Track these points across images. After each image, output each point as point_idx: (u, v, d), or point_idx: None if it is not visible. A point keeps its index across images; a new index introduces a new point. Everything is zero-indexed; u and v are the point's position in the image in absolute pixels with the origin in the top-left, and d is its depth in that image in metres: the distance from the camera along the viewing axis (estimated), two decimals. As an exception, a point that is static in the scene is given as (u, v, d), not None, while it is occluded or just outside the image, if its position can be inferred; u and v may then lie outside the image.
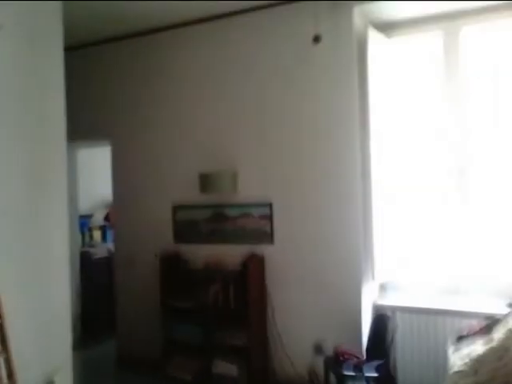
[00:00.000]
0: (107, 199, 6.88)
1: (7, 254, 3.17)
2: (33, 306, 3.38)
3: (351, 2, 4.39)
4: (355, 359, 4.05)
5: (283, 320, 4.74)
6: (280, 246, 4.77)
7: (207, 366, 4.71)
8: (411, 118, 4.73)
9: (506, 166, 4.32)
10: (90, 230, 7.32)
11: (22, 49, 3.40)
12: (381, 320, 4.32)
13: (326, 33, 4.43)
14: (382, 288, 4.76)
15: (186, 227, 5.23)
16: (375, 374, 3.84)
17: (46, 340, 3.48)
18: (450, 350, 3.58)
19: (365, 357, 4.20)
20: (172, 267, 5.04)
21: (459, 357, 3.33)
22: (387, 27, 4.70)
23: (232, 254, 4.91)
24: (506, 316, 3.49)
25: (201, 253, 5.10)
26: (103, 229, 7.52)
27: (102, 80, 5.74)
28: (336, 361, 4.07)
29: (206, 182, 4.86)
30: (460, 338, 3.61)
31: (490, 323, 3.55)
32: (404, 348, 4.36)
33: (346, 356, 4.07)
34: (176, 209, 5.29)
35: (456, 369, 3.22)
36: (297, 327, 4.68)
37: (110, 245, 6.94)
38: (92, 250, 6.92)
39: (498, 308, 3.95)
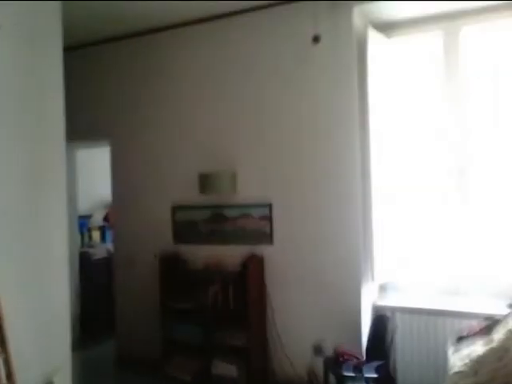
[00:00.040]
0: (106, 199, 6.87)
1: (6, 255, 3.17)
2: (32, 307, 3.37)
3: (351, 1, 4.39)
4: (355, 360, 4.04)
5: (283, 320, 4.73)
6: (280, 246, 4.76)
7: (207, 366, 4.70)
8: (411, 118, 4.72)
9: (506, 166, 4.31)
10: (90, 230, 7.32)
11: (21, 49, 3.39)
12: (380, 321, 4.32)
13: (326, 33, 4.43)
14: (382, 288, 4.75)
15: (186, 228, 5.23)
16: (375, 375, 3.83)
17: (45, 340, 3.47)
18: (450, 350, 3.57)
19: (364, 357, 4.20)
20: (171, 268, 5.04)
21: (459, 357, 3.33)
22: (387, 27, 4.70)
23: (231, 254, 4.90)
24: (505, 316, 3.48)
25: (200, 253, 5.10)
26: (102, 229, 7.51)
27: (102, 80, 5.74)
28: (336, 361, 4.06)
29: (205, 182, 4.85)
30: (460, 339, 3.61)
31: (489, 324, 3.54)
32: (404, 349, 4.35)
33: (345, 357, 4.07)
34: (175, 209, 5.28)
35: (456, 369, 3.21)
36: (296, 328, 4.67)
37: (110, 245, 6.94)
38: (91, 251, 6.91)
39: (497, 308, 3.94)
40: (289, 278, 4.71)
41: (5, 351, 2.92)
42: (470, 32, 4.44)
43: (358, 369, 3.90)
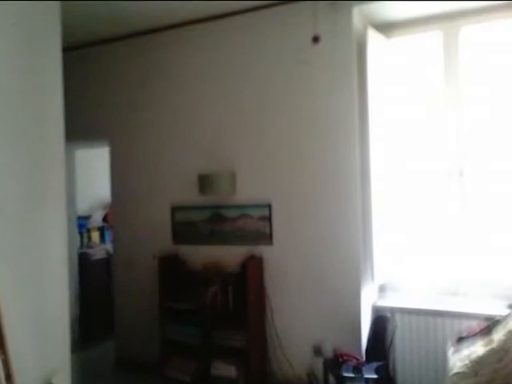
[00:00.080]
0: (106, 200, 6.87)
1: (5, 255, 3.15)
2: (31, 308, 3.36)
3: (350, 2, 4.38)
4: (354, 361, 4.04)
5: (282, 321, 4.72)
6: (279, 247, 4.76)
7: (206, 367, 4.69)
8: (410, 119, 4.71)
9: (506, 166, 4.30)
10: (89, 230, 7.29)
11: (20, 49, 3.38)
12: (380, 321, 4.32)
13: (326, 33, 4.42)
14: (382, 289, 4.75)
15: (185, 228, 5.22)
16: (375, 376, 3.83)
17: (44, 341, 3.46)
18: (450, 351, 3.58)
19: (364, 358, 4.20)
20: (171, 268, 5.03)
21: (459, 358, 3.33)
22: (386, 27, 4.69)
23: (231, 255, 4.90)
24: (506, 317, 3.49)
25: (199, 254, 5.10)
26: (102, 230, 7.49)
27: (101, 80, 5.73)
28: (335, 362, 4.06)
29: (204, 182, 4.85)
30: (460, 340, 3.61)
31: (489, 324, 3.55)
32: (403, 349, 4.35)
33: (345, 357, 4.06)
34: (175, 210, 5.28)
35: (456, 370, 3.22)
36: (296, 328, 4.67)
37: (109, 246, 6.93)
38: (90, 251, 6.88)
39: (497, 309, 3.95)
40: (288, 279, 4.70)
41: (4, 352, 2.91)
42: (470, 32, 4.44)
43: (357, 370, 3.89)
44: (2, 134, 3.20)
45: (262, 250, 4.82)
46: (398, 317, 4.37)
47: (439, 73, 4.55)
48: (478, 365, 3.12)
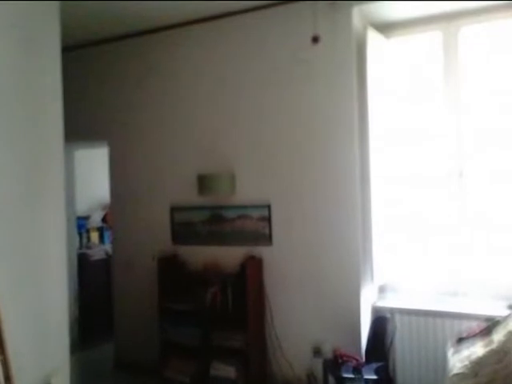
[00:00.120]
0: (105, 200, 6.87)
1: (4, 256, 3.15)
2: (30, 308, 3.36)
3: (350, 2, 4.38)
4: (354, 361, 4.03)
5: (282, 322, 4.72)
6: (278, 247, 4.75)
7: (205, 368, 4.67)
8: (410, 119, 4.71)
9: (506, 167, 4.30)
10: (88, 231, 7.28)
11: (19, 49, 3.38)
12: (380, 322, 4.31)
13: (325, 33, 4.41)
14: (382, 290, 4.74)
15: (184, 229, 5.21)
16: (374, 377, 3.82)
17: (43, 342, 3.46)
18: (450, 352, 3.57)
19: (364, 359, 4.19)
20: (170, 269, 5.02)
21: (459, 359, 3.33)
22: (386, 27, 4.69)
23: (230, 255, 4.89)
24: (506, 318, 3.49)
25: (199, 254, 5.09)
26: (101, 230, 7.49)
27: (100, 81, 5.72)
28: (335, 363, 4.05)
29: (203, 183, 4.84)
30: (460, 340, 3.61)
31: (489, 325, 3.54)
32: (403, 350, 4.35)
33: (344, 358, 4.06)
34: (174, 210, 5.27)
35: (456, 371, 3.21)
36: (295, 329, 4.66)
37: (108, 246, 6.93)
38: (89, 252, 6.88)
39: (497, 310, 3.95)
40: (288, 279, 4.69)
41: (3, 353, 2.90)
42: (470, 32, 4.44)
43: (357, 370, 3.89)
44: (1, 134, 3.20)
45: (262, 251, 4.81)
46: (397, 317, 4.37)
47: (439, 73, 4.55)
48: (477, 365, 3.12)
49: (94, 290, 6.57)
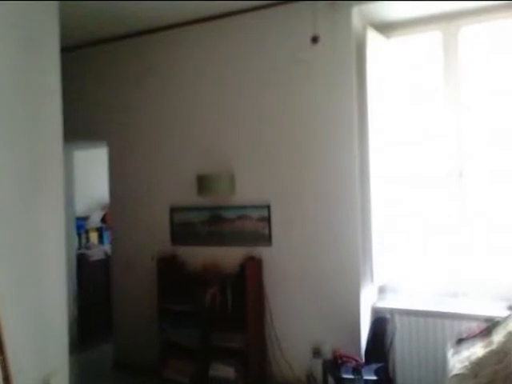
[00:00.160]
0: (104, 201, 6.86)
1: (2, 257, 3.15)
2: (29, 309, 3.35)
3: (350, 2, 4.37)
4: (354, 362, 4.02)
5: (281, 322, 4.71)
6: (278, 248, 4.74)
7: (204, 368, 4.67)
8: (410, 119, 4.70)
9: (506, 167, 4.30)
10: (87, 231, 7.28)
11: (18, 50, 3.37)
12: (380, 323, 4.30)
13: (325, 33, 4.41)
14: (381, 290, 4.73)
15: (184, 229, 5.20)
16: (374, 377, 3.81)
17: (42, 343, 3.45)
18: (450, 352, 3.56)
19: (364, 360, 4.18)
20: (169, 269, 5.01)
21: (459, 360, 3.32)
22: (386, 27, 4.68)
23: (229, 256, 4.88)
24: (505, 318, 3.48)
25: (198, 255, 5.08)
26: (100, 230, 7.48)
27: (99, 81, 5.72)
28: (334, 364, 4.04)
29: (203, 183, 4.84)
30: (459, 341, 3.60)
31: (489, 326, 3.53)
32: (403, 351, 4.34)
33: (344, 359, 4.05)
34: (173, 211, 5.26)
35: (455, 372, 3.21)
36: (295, 330, 4.65)
37: (107, 247, 6.92)
38: (88, 252, 6.87)
39: (497, 310, 3.94)
40: (287, 280, 4.69)
41: (2, 354, 2.90)
42: (470, 32, 4.44)
43: (357, 371, 3.88)
44: (0, 134, 3.19)
45: (261, 251, 4.81)
46: (397, 318, 4.36)
47: (439, 73, 4.55)
48: (477, 366, 3.11)
49: (93, 290, 6.56)
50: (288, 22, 4.65)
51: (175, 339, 4.86)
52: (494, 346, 3.19)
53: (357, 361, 4.06)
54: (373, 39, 4.51)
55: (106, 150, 5.69)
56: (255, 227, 4.84)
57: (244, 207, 4.88)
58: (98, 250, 7.05)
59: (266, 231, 4.78)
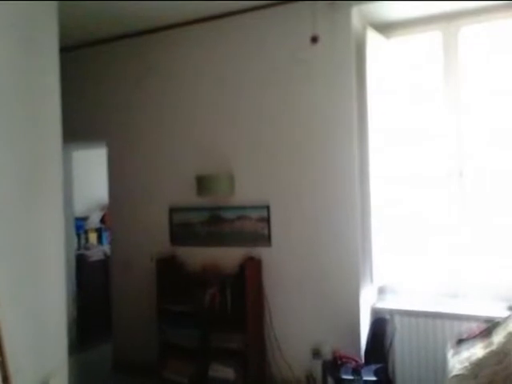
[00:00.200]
0: (103, 201, 6.85)
1: (1, 257, 3.14)
2: (28, 309, 3.34)
3: (349, 2, 4.37)
4: (353, 363, 4.01)
5: (281, 323, 4.70)
6: (277, 248, 4.74)
7: (204, 369, 4.66)
8: (410, 119, 4.70)
9: (506, 167, 4.29)
10: (86, 232, 7.27)
11: (17, 49, 3.36)
12: (379, 323, 4.29)
13: (324, 33, 4.41)
14: (381, 291, 4.73)
15: (183, 230, 5.20)
16: (374, 378, 3.81)
17: (41, 344, 3.44)
18: (450, 353, 3.56)
19: (363, 360, 4.17)
20: (168, 270, 5.00)
21: (459, 360, 3.31)
22: (386, 27, 4.68)
23: (229, 256, 4.88)
24: (505, 319, 3.47)
25: (197, 255, 5.07)
26: (99, 231, 7.47)
27: (98, 81, 5.71)
28: (334, 364, 4.03)
29: (202, 184, 4.83)
30: (459, 342, 3.59)
31: (489, 326, 3.53)
32: (403, 351, 4.33)
33: (344, 360, 4.04)
34: (172, 211, 5.25)
35: (455, 372, 3.20)
36: (294, 330, 4.64)
37: (106, 247, 6.91)
38: (88, 253, 6.87)
39: (497, 311, 3.94)
40: (287, 280, 4.68)
41: (1, 354, 2.89)
42: (470, 32, 4.43)
43: (356, 372, 3.87)
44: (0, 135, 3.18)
45: (261, 252, 4.80)
46: (397, 319, 4.35)
47: (439, 73, 4.54)
48: (477, 367, 3.11)
49: (93, 290, 6.55)
50: (288, 22, 4.65)
51: (174, 340, 4.85)
52: (494, 347, 3.19)
53: (356, 361, 4.05)
54: (372, 39, 4.51)
55: (105, 151, 5.68)
56: (255, 227, 4.83)
57: (243, 207, 4.87)
58: (97, 251, 7.04)
59: (266, 231, 4.78)
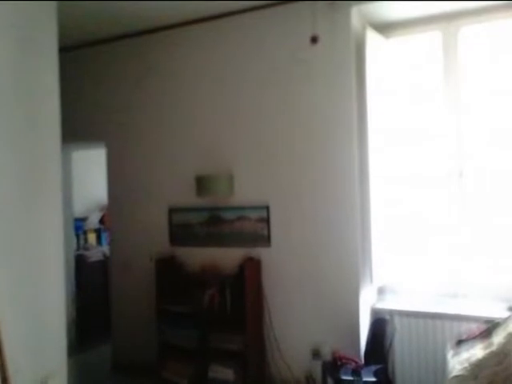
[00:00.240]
0: (102, 202, 6.85)
1: (0, 258, 3.13)
2: (27, 310, 3.34)
3: (349, 2, 4.37)
4: (353, 364, 4.01)
5: (280, 324, 4.70)
6: (277, 249, 4.73)
7: (203, 370, 4.65)
8: (410, 119, 4.69)
9: (506, 167, 4.29)
10: (85, 232, 7.26)
11: (16, 50, 3.36)
12: (379, 324, 4.29)
13: (324, 33, 4.41)
14: (381, 291, 4.72)
15: (182, 230, 5.19)
16: (373, 379, 3.80)
17: (40, 345, 3.44)
18: (450, 354, 3.55)
19: (363, 361, 4.17)
20: (168, 270, 5.00)
21: (458, 361, 3.31)
22: (385, 27, 4.68)
23: (228, 257, 4.87)
24: (505, 320, 3.46)
25: (197, 256, 5.06)
26: (98, 231, 7.46)
27: (97, 81, 5.70)
28: (334, 365, 4.03)
29: (202, 184, 4.82)
30: (459, 342, 3.59)
31: (489, 327, 3.52)
32: (403, 352, 4.33)
33: (343, 360, 4.04)
34: (172, 211, 5.24)
35: (455, 373, 3.20)
36: (294, 331, 4.64)
37: (106, 248, 6.90)
38: (87, 253, 6.86)
39: (497, 311, 3.93)
40: (286, 281, 4.67)
41: (0, 355, 2.89)
42: (469, 32, 4.43)
43: (356, 372, 3.87)
44: (-2, 135, 3.18)
45: (260, 252, 4.79)
46: (397, 319, 4.35)
47: (438, 73, 4.54)
48: (477, 368, 3.10)
49: (92, 291, 6.54)
50: (287, 22, 4.64)
51: (174, 340, 4.84)
52: (493, 348, 3.18)
53: (356, 362, 4.05)
54: (372, 39, 4.51)
55: (105, 151, 5.68)
56: (254, 228, 4.82)
57: (243, 208, 4.86)
58: (97, 251, 7.04)
59: (265, 232, 4.77)
